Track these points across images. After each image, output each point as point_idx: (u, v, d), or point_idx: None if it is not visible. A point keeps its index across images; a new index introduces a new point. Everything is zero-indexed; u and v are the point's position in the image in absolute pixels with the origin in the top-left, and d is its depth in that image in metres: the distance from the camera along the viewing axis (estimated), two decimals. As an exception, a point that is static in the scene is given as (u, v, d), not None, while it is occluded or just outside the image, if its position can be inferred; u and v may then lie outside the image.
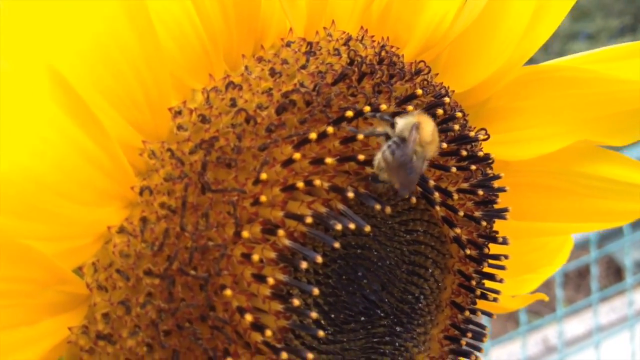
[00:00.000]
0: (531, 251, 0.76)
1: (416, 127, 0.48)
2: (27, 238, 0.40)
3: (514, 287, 0.75)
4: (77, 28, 0.37)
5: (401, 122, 0.49)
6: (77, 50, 0.37)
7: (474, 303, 0.60)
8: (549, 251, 0.78)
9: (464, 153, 0.55)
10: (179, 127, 0.46)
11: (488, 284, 0.62)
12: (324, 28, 0.52)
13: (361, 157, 0.47)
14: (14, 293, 0.41)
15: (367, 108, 0.48)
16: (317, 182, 0.46)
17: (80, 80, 0.38)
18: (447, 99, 0.54)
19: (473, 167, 0.55)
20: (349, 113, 0.46)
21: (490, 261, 0.59)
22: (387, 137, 0.48)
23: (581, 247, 2.45)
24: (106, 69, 0.40)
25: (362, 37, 0.54)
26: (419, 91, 0.52)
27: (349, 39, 0.53)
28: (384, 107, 0.49)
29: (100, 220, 0.44)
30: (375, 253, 0.52)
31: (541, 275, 0.80)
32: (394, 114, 0.49)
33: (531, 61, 0.63)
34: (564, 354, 2.64)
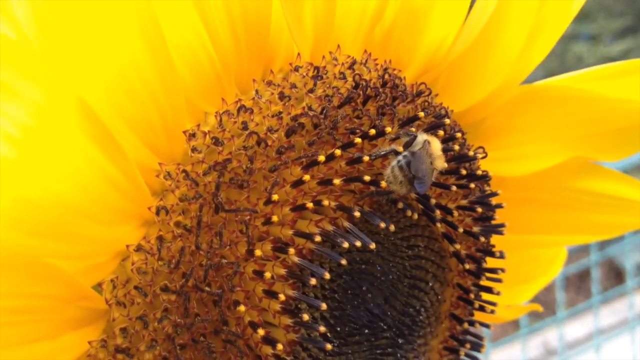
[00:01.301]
0: (526, 262, 0.79)
1: (428, 142, 0.51)
2: (51, 257, 0.42)
3: (509, 298, 0.77)
4: (103, 63, 0.40)
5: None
6: (103, 83, 0.40)
7: (472, 315, 0.63)
8: (543, 262, 0.81)
9: (464, 172, 0.57)
10: (194, 150, 0.48)
11: (485, 295, 0.64)
12: (330, 52, 0.54)
13: (367, 177, 0.50)
14: (39, 309, 0.43)
15: (373, 131, 0.50)
16: (326, 202, 0.48)
17: (105, 109, 0.40)
18: (447, 120, 0.57)
19: (472, 185, 0.58)
20: (358, 140, 0.49)
21: (488, 274, 0.62)
22: (396, 153, 0.51)
23: (582, 250, 2.44)
24: (128, 98, 0.42)
25: (366, 61, 0.56)
26: (421, 114, 0.54)
27: (354, 62, 0.55)
28: (388, 129, 0.51)
29: (119, 239, 0.46)
30: (379, 268, 0.54)
31: (535, 286, 0.83)
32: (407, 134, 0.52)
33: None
34: (565, 356, 2.64)
